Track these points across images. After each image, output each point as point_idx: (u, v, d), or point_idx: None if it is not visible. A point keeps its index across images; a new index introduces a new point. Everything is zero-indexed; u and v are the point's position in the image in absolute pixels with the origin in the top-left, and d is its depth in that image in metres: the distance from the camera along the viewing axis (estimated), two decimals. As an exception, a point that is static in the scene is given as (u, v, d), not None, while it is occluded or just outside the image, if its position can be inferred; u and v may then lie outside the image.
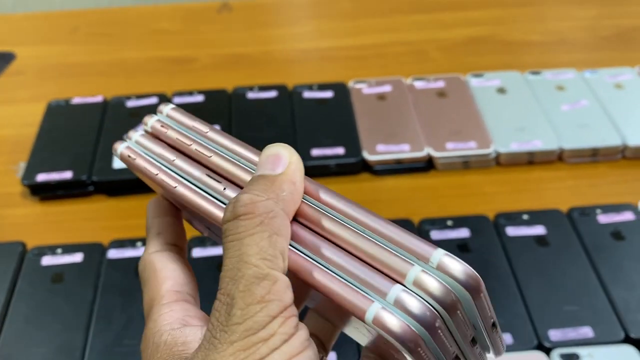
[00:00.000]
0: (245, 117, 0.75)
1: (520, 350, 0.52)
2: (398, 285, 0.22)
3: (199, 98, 0.78)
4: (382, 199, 0.68)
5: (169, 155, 0.28)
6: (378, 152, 0.70)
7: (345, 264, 0.23)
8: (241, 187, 0.26)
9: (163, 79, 0.83)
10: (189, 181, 0.27)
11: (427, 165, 0.70)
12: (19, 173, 0.70)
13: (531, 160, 0.70)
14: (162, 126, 0.29)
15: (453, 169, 0.70)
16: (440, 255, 0.22)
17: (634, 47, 0.86)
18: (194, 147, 0.28)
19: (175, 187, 0.27)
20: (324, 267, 0.23)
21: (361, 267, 0.23)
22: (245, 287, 0.22)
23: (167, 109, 0.29)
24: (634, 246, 0.60)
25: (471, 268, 0.22)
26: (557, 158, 0.71)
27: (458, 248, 0.60)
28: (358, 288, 0.23)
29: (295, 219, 0.25)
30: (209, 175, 0.27)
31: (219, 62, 0.87)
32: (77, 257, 0.61)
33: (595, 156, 0.70)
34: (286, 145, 0.25)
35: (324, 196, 0.25)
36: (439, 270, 0.22)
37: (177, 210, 0.30)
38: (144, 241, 0.62)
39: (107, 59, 0.88)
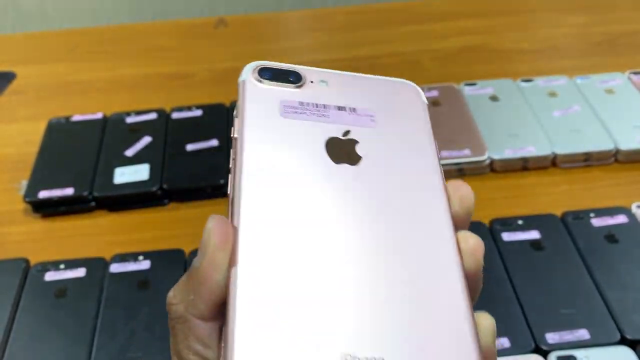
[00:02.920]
0: (242, 130, 0.76)
1: (518, 354, 0.53)
2: None
3: (198, 113, 0.79)
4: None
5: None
6: (374, 161, 0.71)
7: None
8: None
9: (162, 95, 0.85)
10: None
11: (422, 173, 0.71)
12: (21, 191, 0.71)
13: (525, 166, 0.71)
14: None
15: (448, 176, 0.70)
16: None
17: (624, 52, 0.87)
18: None
19: None
20: None
21: None
22: None
23: None
24: (627, 248, 0.61)
25: None
26: (551, 163, 0.72)
27: (455, 254, 0.61)
28: None
29: None
30: None
31: (217, 77, 0.88)
32: (80, 272, 0.61)
33: (588, 161, 0.71)
34: (215, 218, 0.23)
35: None
36: None
37: None
38: (145, 255, 0.63)
39: (105, 76, 0.89)
